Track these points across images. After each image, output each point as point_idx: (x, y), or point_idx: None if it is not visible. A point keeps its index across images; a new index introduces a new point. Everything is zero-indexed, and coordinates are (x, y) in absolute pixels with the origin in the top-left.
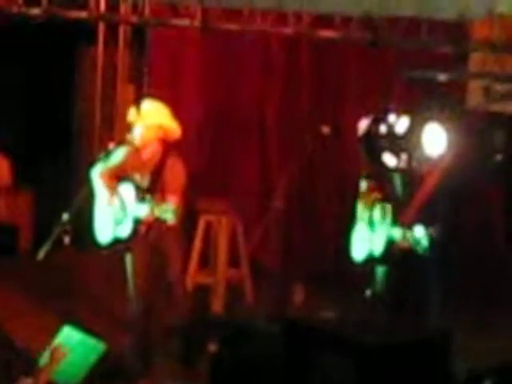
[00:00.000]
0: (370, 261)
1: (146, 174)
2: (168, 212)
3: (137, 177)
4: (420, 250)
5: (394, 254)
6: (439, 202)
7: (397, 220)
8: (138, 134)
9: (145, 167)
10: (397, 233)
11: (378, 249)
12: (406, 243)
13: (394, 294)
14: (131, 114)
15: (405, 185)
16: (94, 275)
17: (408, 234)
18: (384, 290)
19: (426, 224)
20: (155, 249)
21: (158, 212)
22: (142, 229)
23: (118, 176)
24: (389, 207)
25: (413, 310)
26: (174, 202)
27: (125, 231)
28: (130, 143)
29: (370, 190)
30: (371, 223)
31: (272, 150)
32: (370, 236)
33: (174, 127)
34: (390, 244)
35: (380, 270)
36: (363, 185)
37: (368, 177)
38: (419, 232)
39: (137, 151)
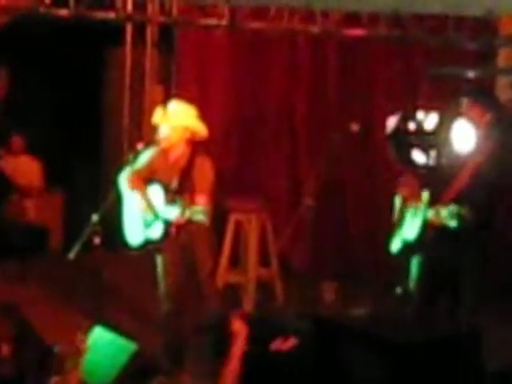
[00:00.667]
0: (405, 249)
1: (174, 174)
2: (199, 213)
3: (165, 178)
4: (452, 224)
5: (427, 233)
6: (475, 190)
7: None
8: (164, 135)
9: (173, 168)
10: (430, 213)
11: (412, 235)
12: (439, 220)
13: (426, 290)
14: (157, 115)
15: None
16: (125, 275)
17: (441, 211)
18: (416, 285)
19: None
20: (185, 249)
21: (189, 214)
22: (173, 230)
23: (146, 178)
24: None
25: (445, 304)
26: (202, 202)
27: (155, 233)
28: (157, 144)
29: (405, 200)
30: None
31: (301, 148)
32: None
33: (200, 127)
34: (424, 226)
35: (414, 263)
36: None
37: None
38: (452, 209)
39: (164, 152)
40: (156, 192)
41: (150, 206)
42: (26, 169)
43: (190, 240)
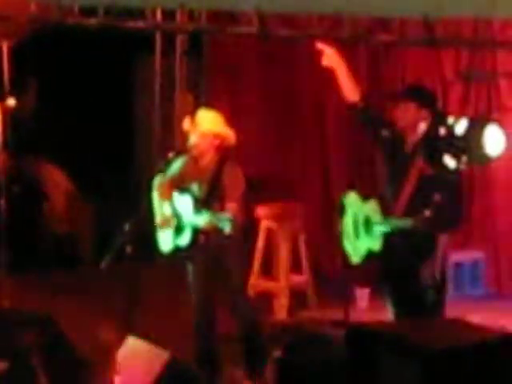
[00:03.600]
0: None
1: (203, 182)
2: (225, 221)
3: (195, 185)
4: None
5: None
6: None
7: None
8: (193, 142)
9: (202, 175)
10: None
11: None
12: None
13: None
14: (187, 122)
15: None
16: (157, 284)
17: None
18: None
19: None
20: (216, 257)
21: (215, 221)
22: (202, 238)
23: (176, 186)
24: None
25: None
26: (232, 209)
27: (184, 240)
28: (187, 152)
29: None
30: None
31: (333, 154)
32: None
33: (229, 134)
34: None
35: None
36: None
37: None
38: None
39: (194, 160)
40: (185, 200)
41: (178, 212)
42: (54, 177)
43: (220, 248)
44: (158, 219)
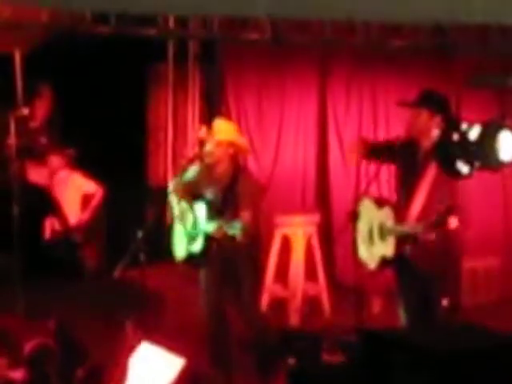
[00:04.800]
0: None
1: (218, 190)
2: (236, 228)
3: (209, 193)
4: None
5: None
6: None
7: None
8: (209, 150)
9: (217, 183)
10: None
11: None
12: None
13: None
14: (202, 131)
15: None
16: (171, 291)
17: None
18: None
19: None
20: (228, 265)
21: (226, 228)
22: (214, 245)
23: (191, 192)
24: None
25: None
26: (246, 218)
27: (197, 247)
28: (202, 160)
29: None
30: None
31: (348, 162)
32: None
33: (244, 143)
34: None
35: None
36: None
37: None
38: None
39: (209, 168)
40: (199, 207)
41: (192, 219)
42: (67, 186)
43: (233, 257)
44: (175, 213)
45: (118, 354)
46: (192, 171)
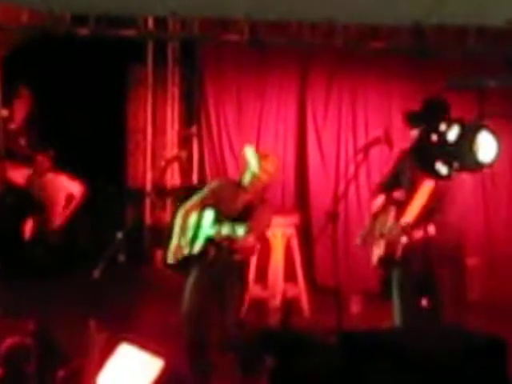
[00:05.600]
0: None
1: (234, 211)
2: (241, 230)
3: (225, 210)
4: None
5: None
6: None
7: None
8: (257, 176)
9: (237, 206)
10: None
11: None
12: None
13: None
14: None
15: None
16: (151, 291)
17: None
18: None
19: None
20: (218, 276)
21: (230, 230)
22: (212, 249)
23: (205, 205)
24: None
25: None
26: (248, 242)
27: (195, 249)
28: (234, 181)
29: None
30: None
31: (328, 162)
32: None
33: (275, 175)
34: None
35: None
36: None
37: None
38: None
39: (238, 191)
40: (208, 214)
41: (195, 224)
42: (53, 187)
43: (225, 269)
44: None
45: (98, 355)
46: (215, 185)
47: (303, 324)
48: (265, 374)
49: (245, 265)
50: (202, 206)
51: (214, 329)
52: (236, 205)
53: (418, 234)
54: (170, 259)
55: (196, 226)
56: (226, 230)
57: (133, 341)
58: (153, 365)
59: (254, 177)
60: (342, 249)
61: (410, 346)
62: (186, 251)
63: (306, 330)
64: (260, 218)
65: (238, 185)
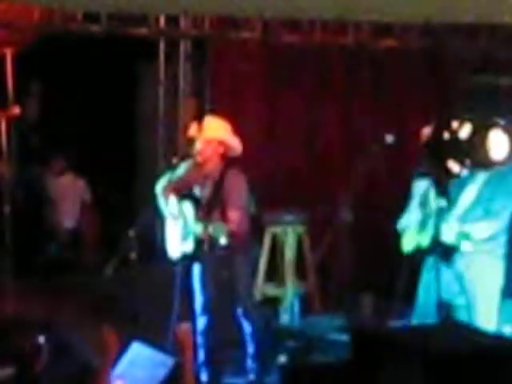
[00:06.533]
0: None
1: (206, 188)
2: (219, 231)
3: (197, 191)
4: None
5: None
6: None
7: None
8: (198, 148)
9: (205, 181)
10: None
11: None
12: None
13: None
14: (192, 129)
15: None
16: (162, 290)
17: None
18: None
19: None
20: (222, 263)
21: (210, 230)
22: (204, 246)
23: (179, 190)
24: None
25: None
26: (234, 217)
27: (188, 247)
28: (192, 158)
29: None
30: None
31: (336, 160)
32: None
33: (234, 143)
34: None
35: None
36: None
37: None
38: None
39: (198, 166)
40: (187, 208)
41: (183, 218)
42: (69, 189)
43: (224, 257)
44: (165, 212)
45: (108, 353)
46: (181, 168)
47: (315, 322)
48: (276, 372)
49: (246, 244)
50: (178, 192)
51: (226, 321)
52: (203, 182)
53: None
54: (173, 254)
55: (183, 222)
56: (209, 229)
57: (144, 340)
58: (164, 363)
59: (198, 144)
60: (356, 245)
61: (423, 345)
62: (180, 247)
63: (317, 328)
64: (233, 188)
65: (193, 159)
